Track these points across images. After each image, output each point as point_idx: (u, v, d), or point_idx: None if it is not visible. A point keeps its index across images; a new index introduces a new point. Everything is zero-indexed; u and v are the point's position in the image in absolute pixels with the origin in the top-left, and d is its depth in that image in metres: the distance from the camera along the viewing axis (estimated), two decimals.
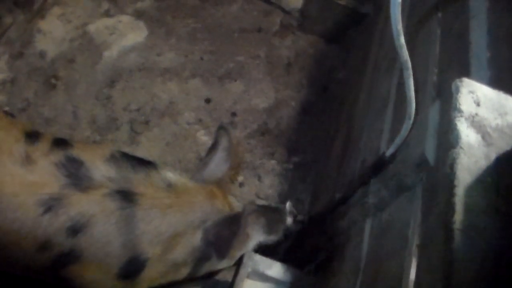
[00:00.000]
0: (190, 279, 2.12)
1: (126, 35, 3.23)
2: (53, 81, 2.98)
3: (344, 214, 2.00)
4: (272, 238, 2.14)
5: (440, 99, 1.41)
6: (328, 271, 1.98)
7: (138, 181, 1.80)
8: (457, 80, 1.28)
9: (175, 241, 1.84)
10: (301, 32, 3.39)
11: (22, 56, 3.04)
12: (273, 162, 2.86)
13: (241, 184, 2.76)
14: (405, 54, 1.32)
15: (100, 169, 1.76)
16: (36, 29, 3.15)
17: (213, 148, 2.10)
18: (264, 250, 2.17)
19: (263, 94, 3.10)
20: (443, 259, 1.03)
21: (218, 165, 2.07)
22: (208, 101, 3.03)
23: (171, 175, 1.92)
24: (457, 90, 1.26)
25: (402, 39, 1.28)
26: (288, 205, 2.22)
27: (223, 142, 2.08)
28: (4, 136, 1.70)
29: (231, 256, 2.06)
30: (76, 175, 1.70)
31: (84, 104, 2.93)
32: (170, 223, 1.82)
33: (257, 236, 2.08)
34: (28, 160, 1.67)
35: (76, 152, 1.77)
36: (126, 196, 1.74)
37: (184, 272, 1.98)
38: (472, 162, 1.14)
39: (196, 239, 1.89)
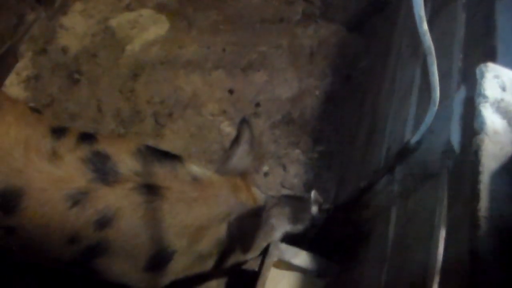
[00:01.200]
0: (217, 270, 2.13)
1: (148, 29, 3.24)
2: (76, 76, 3.01)
3: (369, 202, 2.00)
4: (298, 228, 2.14)
5: (465, 85, 1.39)
6: (354, 259, 1.98)
7: (163, 174, 1.81)
8: (482, 65, 1.26)
9: (201, 234, 1.86)
10: (323, 21, 3.36)
11: (46, 53, 3.07)
12: (297, 151, 2.85)
13: (266, 174, 2.76)
14: (428, 40, 1.30)
15: (126, 163, 1.77)
16: (58, 25, 3.17)
17: (235, 141, 2.10)
18: (290, 239, 2.17)
19: (286, 83, 3.09)
20: (469, 247, 1.02)
21: (241, 158, 2.07)
22: (231, 92, 3.03)
23: (196, 169, 1.92)
24: (482, 75, 1.24)
25: (425, 25, 1.27)
26: (313, 194, 2.22)
27: (246, 135, 2.09)
28: (31, 133, 1.72)
29: (256, 248, 2.07)
30: (102, 170, 1.72)
31: (108, 98, 2.95)
32: (196, 216, 1.83)
33: (282, 226, 2.08)
34: (55, 156, 1.69)
35: (102, 146, 1.79)
36: (152, 190, 1.75)
37: (209, 264, 1.99)
38: (497, 148, 1.12)
39: (221, 232, 1.90)
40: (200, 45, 3.21)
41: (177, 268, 1.89)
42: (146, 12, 3.31)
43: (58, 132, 1.79)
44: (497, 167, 1.09)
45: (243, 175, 2.06)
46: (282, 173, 2.77)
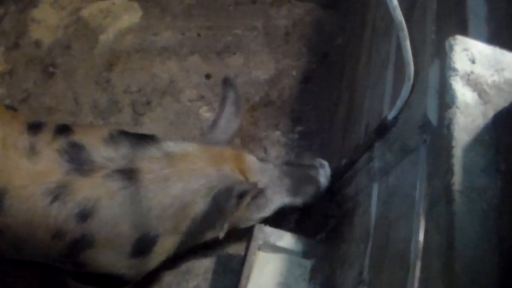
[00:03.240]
0: (205, 247, 2.10)
1: (121, 17, 3.20)
2: (51, 69, 2.98)
3: (351, 180, 2.00)
4: (297, 201, 2.10)
5: (439, 58, 1.39)
6: (339, 238, 1.99)
7: (137, 156, 1.79)
8: (450, 38, 1.26)
9: (185, 213, 1.83)
10: (297, 0, 3.34)
11: (18, 47, 3.03)
12: (277, 133, 2.84)
13: None
14: (399, 15, 1.30)
15: (99, 150, 1.76)
16: (29, 19, 3.13)
17: (221, 104, 2.06)
18: (274, 221, 2.17)
19: (263, 65, 3.08)
20: (446, 221, 1.03)
21: (228, 121, 2.03)
22: (208, 77, 3.01)
23: (170, 144, 1.88)
24: (451, 48, 1.24)
25: (395, 0, 1.26)
26: (318, 162, 2.15)
27: (231, 96, 2.05)
28: (7, 131, 1.72)
29: (250, 219, 2.04)
30: (77, 160, 1.71)
31: (85, 90, 2.93)
32: (173, 195, 1.79)
33: (279, 199, 2.04)
34: (32, 151, 1.69)
35: (77, 137, 1.78)
36: (126, 175, 1.74)
37: (201, 238, 1.97)
38: (469, 121, 1.12)
39: (206, 208, 1.86)
40: (174, 31, 3.18)
41: (165, 249, 1.87)
42: (118, 0, 3.27)
43: (35, 127, 1.78)
44: (470, 140, 1.09)
45: (232, 141, 2.02)
46: (263, 155, 2.76)
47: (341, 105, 2.67)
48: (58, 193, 1.66)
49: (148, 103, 2.90)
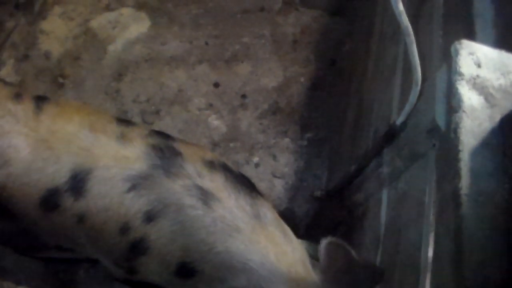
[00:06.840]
0: None
1: (129, 27, 3.22)
2: (60, 80, 2.99)
3: (360, 186, 2.00)
4: None
5: (445, 62, 1.39)
6: (349, 244, 1.98)
7: (225, 189, 1.68)
8: (456, 42, 1.26)
9: (227, 271, 1.66)
10: (304, 8, 3.35)
11: (28, 59, 3.05)
12: (287, 140, 2.85)
13: (256, 165, 2.76)
14: (405, 20, 1.31)
15: (194, 165, 1.68)
16: (39, 30, 3.15)
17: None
18: None
19: (271, 73, 3.08)
20: (454, 226, 1.02)
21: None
22: (216, 85, 3.02)
23: (269, 215, 1.71)
24: (457, 52, 1.24)
25: (401, 5, 1.27)
26: None
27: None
28: (95, 119, 1.69)
29: None
30: (169, 160, 1.65)
31: (94, 100, 2.94)
32: (226, 249, 1.64)
33: None
34: (123, 138, 1.65)
35: (177, 145, 1.73)
36: (204, 196, 1.64)
37: None
38: (475, 125, 1.12)
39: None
40: (182, 40, 3.19)
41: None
42: (126, 11, 3.29)
43: (126, 121, 1.78)
44: (477, 144, 1.09)
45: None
46: (272, 162, 2.77)
47: (350, 111, 2.67)
48: (137, 183, 1.61)
49: (157, 112, 2.91)
